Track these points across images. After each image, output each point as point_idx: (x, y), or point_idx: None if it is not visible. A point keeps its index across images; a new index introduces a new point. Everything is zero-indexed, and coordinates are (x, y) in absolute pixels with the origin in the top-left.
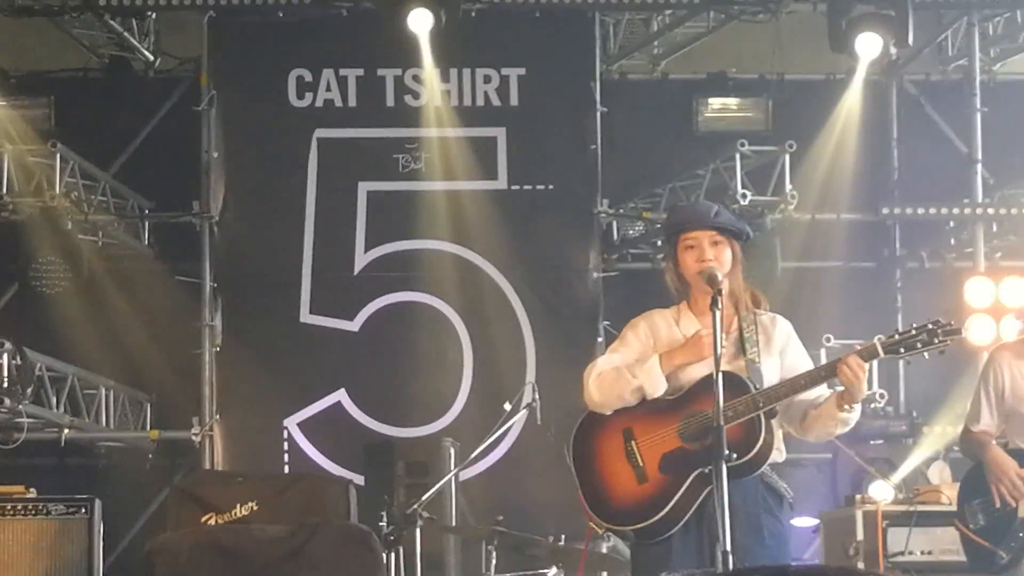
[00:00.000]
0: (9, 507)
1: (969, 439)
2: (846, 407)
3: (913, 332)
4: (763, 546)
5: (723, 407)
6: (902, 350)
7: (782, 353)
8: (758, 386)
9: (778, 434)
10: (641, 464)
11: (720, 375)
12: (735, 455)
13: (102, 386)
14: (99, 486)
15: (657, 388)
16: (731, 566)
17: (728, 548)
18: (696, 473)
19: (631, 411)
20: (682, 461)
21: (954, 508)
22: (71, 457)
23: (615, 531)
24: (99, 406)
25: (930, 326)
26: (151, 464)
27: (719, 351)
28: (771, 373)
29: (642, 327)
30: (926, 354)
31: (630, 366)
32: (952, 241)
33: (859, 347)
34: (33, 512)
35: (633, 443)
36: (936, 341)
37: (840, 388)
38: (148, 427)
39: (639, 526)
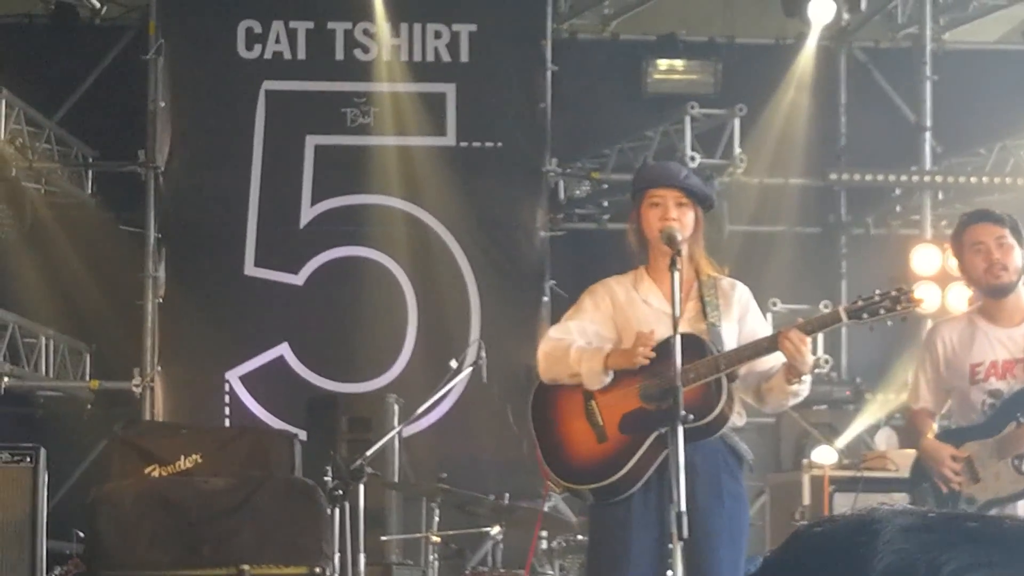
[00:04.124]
0: None
1: (910, 423)
2: (794, 380)
3: (876, 299)
4: (723, 507)
5: (685, 369)
6: (865, 316)
7: (741, 319)
8: (719, 349)
9: (738, 399)
10: (601, 423)
11: (679, 337)
12: (692, 416)
13: (42, 335)
14: (37, 435)
15: (594, 384)
16: (685, 527)
17: (683, 509)
18: (656, 434)
19: None
20: (642, 421)
21: (901, 475)
22: (8, 406)
23: (573, 490)
24: (39, 355)
25: (893, 293)
26: (89, 414)
27: (677, 312)
28: (730, 338)
29: (600, 293)
30: (889, 321)
31: (577, 351)
32: (898, 208)
33: (822, 313)
34: None
35: (593, 402)
36: (899, 308)
37: None
38: (88, 377)
39: (598, 485)
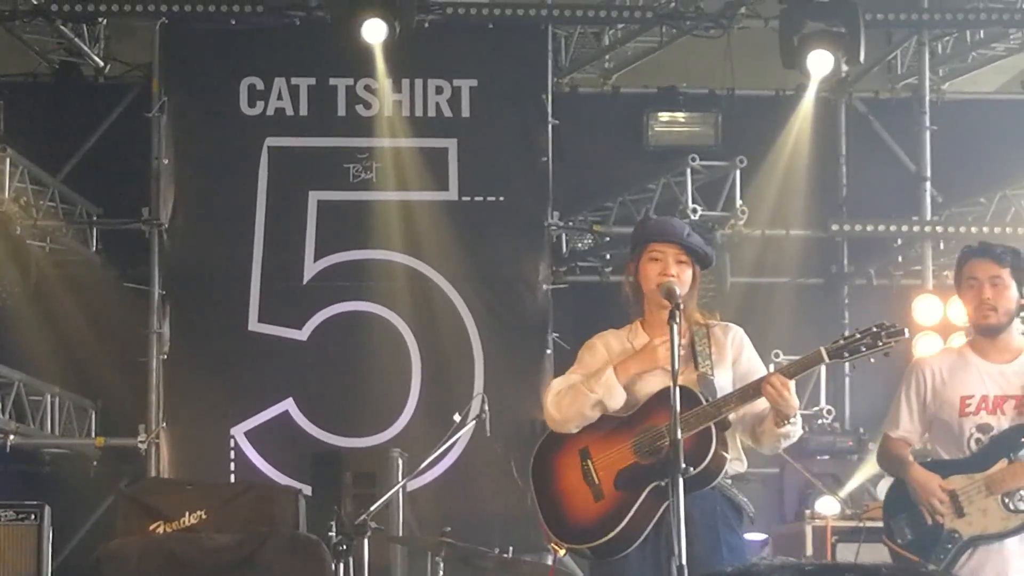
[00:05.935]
0: None
1: (887, 451)
2: (782, 423)
3: (857, 336)
4: (721, 560)
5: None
6: (846, 354)
7: (735, 362)
8: (710, 398)
9: (736, 444)
10: (597, 482)
11: (676, 388)
12: (692, 469)
13: (47, 392)
14: (43, 493)
15: (616, 399)
16: None
17: (684, 562)
18: (651, 487)
19: (588, 430)
20: (637, 476)
21: None
22: (14, 464)
23: (574, 550)
24: (44, 412)
25: (874, 329)
26: (96, 471)
27: (676, 366)
28: (725, 384)
29: (598, 346)
30: (872, 358)
31: (585, 381)
32: (899, 259)
33: (803, 356)
34: None
35: (589, 462)
36: (880, 344)
37: None
38: (94, 434)
39: (596, 543)
